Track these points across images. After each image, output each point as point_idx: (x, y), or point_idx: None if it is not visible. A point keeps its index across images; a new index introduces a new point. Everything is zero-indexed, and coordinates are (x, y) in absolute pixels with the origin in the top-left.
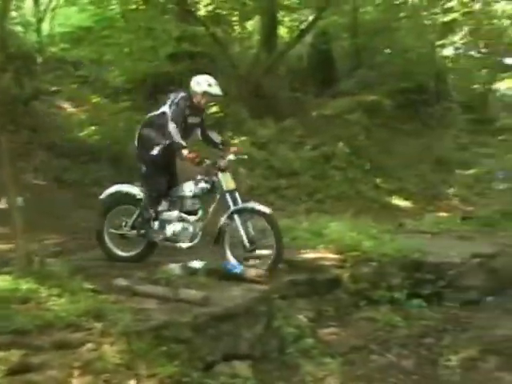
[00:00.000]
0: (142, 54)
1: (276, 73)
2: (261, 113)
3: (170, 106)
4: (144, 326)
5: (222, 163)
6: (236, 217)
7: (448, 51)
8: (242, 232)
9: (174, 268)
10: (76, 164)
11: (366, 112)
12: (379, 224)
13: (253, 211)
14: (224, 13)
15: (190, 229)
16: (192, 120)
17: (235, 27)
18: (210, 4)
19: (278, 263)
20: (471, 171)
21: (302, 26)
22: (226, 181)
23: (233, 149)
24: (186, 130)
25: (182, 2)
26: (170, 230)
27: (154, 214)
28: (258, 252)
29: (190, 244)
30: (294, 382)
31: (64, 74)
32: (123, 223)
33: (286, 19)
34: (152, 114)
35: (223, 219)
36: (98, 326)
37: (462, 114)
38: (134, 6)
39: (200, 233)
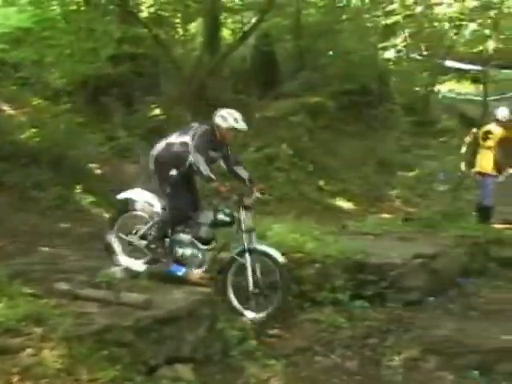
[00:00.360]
0: (82, 55)
1: (219, 75)
2: (204, 115)
3: (193, 137)
4: (85, 330)
5: (248, 201)
6: (247, 256)
7: (390, 54)
8: (250, 273)
9: (116, 271)
10: (16, 166)
11: (309, 114)
12: (322, 226)
13: (265, 255)
14: (167, 14)
15: (200, 256)
16: (213, 154)
17: (178, 29)
18: (152, 6)
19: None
20: (413, 173)
21: (245, 28)
22: (247, 220)
23: (259, 187)
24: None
25: (123, 4)
26: (179, 252)
27: (170, 232)
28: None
29: (195, 272)
30: None
31: (3, 75)
32: (134, 230)
33: (229, 21)
34: (170, 140)
35: (233, 253)
36: (38, 330)
37: (404, 116)
38: (74, 7)
39: (208, 262)
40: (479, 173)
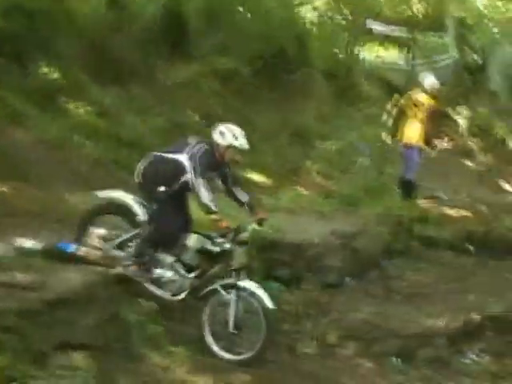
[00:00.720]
0: None
1: (125, 34)
2: (106, 78)
3: (192, 158)
4: None
5: (243, 237)
6: (232, 292)
7: (311, 15)
8: (232, 312)
9: (4, 249)
10: None
11: (220, 78)
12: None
13: (253, 296)
14: None
15: (178, 283)
16: (209, 175)
17: None
18: None
19: (262, 354)
20: (333, 144)
21: None
22: (239, 257)
23: (260, 214)
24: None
25: None
26: (156, 272)
27: (146, 253)
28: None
29: (171, 298)
30: (140, 372)
31: None
32: (110, 235)
33: None
34: (160, 154)
35: (218, 285)
36: None
37: (324, 83)
38: None
39: (186, 291)
40: (404, 145)
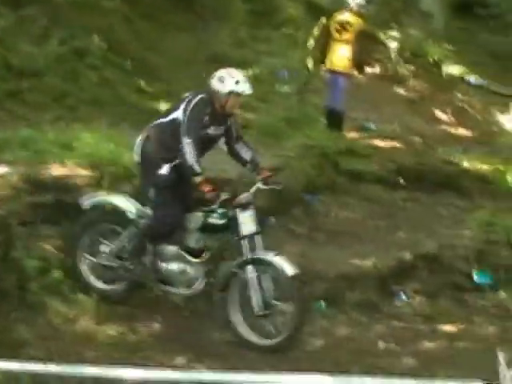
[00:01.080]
0: None
1: None
2: None
3: (185, 111)
4: None
5: (244, 198)
6: (249, 268)
7: None
8: (253, 291)
9: None
10: None
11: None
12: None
13: (272, 266)
14: None
15: (189, 272)
16: (213, 131)
17: None
18: None
19: (295, 336)
20: (251, 71)
21: None
22: (246, 222)
23: (264, 173)
24: (204, 144)
25: None
26: (163, 268)
27: (150, 248)
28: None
29: (186, 292)
30: (39, 324)
31: None
32: (103, 247)
33: None
34: (159, 120)
35: (232, 267)
36: None
37: (241, 4)
38: None
39: (202, 279)
40: (330, 71)
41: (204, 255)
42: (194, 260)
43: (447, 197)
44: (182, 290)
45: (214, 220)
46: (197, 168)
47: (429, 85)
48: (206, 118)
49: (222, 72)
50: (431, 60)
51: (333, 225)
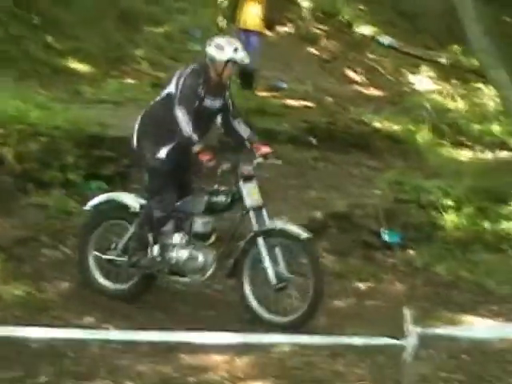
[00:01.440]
0: None
1: None
2: None
3: (177, 83)
4: None
5: (246, 170)
6: (260, 241)
7: None
8: (268, 263)
9: None
10: None
11: None
12: (50, 91)
13: (283, 234)
14: None
15: (200, 258)
16: (210, 103)
17: None
18: None
19: (315, 309)
20: (162, 29)
21: None
22: (251, 194)
23: (263, 149)
24: (202, 120)
25: None
26: (173, 258)
27: (152, 237)
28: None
29: (200, 278)
30: None
31: None
32: (113, 245)
33: None
34: (155, 99)
35: (242, 244)
36: None
37: None
38: None
39: (214, 263)
40: (242, 30)
41: (212, 238)
42: (203, 244)
43: (358, 156)
44: (195, 278)
45: (218, 199)
46: (194, 137)
47: (341, 45)
48: (200, 88)
49: (219, 40)
50: (343, 20)
51: None
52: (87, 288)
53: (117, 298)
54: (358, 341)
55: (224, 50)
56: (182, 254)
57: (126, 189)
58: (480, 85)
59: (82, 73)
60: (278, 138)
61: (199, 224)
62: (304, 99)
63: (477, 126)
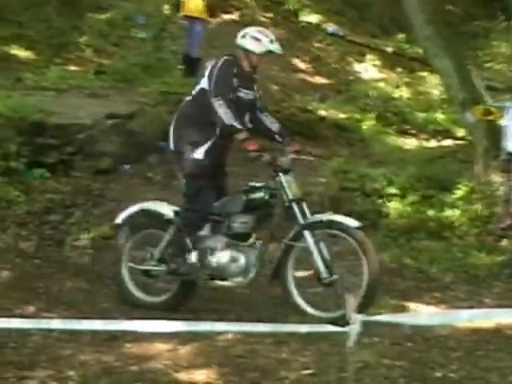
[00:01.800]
0: None
1: None
2: None
3: (210, 76)
4: None
5: (285, 162)
6: (307, 235)
7: None
8: (317, 257)
9: None
10: None
11: None
12: None
13: (331, 226)
14: None
15: (242, 259)
16: (244, 95)
17: None
18: None
19: (369, 305)
20: (106, 16)
21: None
22: (291, 187)
23: (294, 146)
24: (238, 111)
25: None
26: (213, 262)
27: (191, 243)
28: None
29: (243, 281)
30: None
31: None
32: (148, 255)
33: None
34: (186, 98)
35: (286, 240)
36: None
37: None
38: None
39: (256, 264)
40: (187, 17)
41: (253, 237)
42: (244, 244)
43: (304, 144)
44: (238, 281)
45: (256, 196)
46: (237, 125)
47: (287, 33)
48: (235, 79)
49: (253, 31)
50: (289, 8)
51: None
52: (124, 302)
53: (155, 309)
54: (302, 328)
55: (261, 41)
56: (223, 257)
57: (68, 176)
58: (424, 73)
59: (25, 60)
60: None
61: (238, 224)
62: None
63: (421, 115)
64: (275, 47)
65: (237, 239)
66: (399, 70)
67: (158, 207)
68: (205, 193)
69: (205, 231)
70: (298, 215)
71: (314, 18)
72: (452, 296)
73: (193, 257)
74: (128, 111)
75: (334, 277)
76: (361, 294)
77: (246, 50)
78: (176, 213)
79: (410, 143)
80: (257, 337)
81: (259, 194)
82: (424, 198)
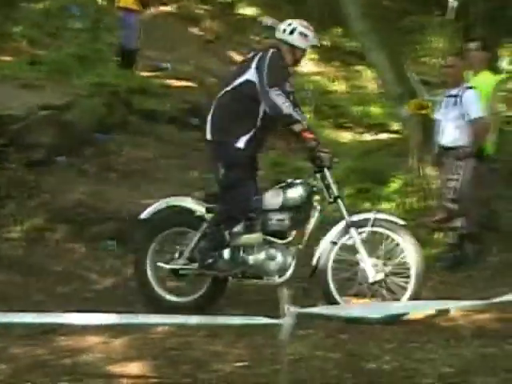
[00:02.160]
0: None
1: None
2: None
3: (260, 67)
4: None
5: (327, 157)
6: (353, 232)
7: None
8: (364, 255)
9: None
10: None
11: None
12: None
13: (377, 224)
14: None
15: (279, 257)
16: (289, 88)
17: None
18: None
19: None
20: (41, 6)
21: None
22: (334, 183)
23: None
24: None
25: None
26: (250, 260)
27: (227, 239)
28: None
29: (279, 280)
30: None
31: None
32: (176, 254)
33: None
34: (225, 89)
35: (330, 237)
36: None
37: None
38: None
39: (294, 263)
40: (122, 8)
41: (291, 235)
42: (281, 242)
43: None
44: (273, 279)
45: (296, 192)
46: (295, 115)
47: (224, 26)
48: (285, 71)
49: (300, 27)
50: (226, 1)
51: (125, 164)
52: (148, 304)
53: (184, 310)
54: (235, 320)
55: (308, 37)
56: (260, 254)
57: (1, 168)
58: (360, 67)
59: None
60: (160, 118)
61: (275, 221)
62: (186, 79)
63: (357, 108)
64: (317, 41)
65: (274, 237)
66: (336, 63)
67: (187, 203)
68: (245, 184)
69: (241, 227)
70: (344, 211)
71: (250, 11)
72: (385, 288)
73: (228, 254)
74: (63, 102)
75: (379, 276)
76: (408, 293)
77: (291, 45)
78: (208, 209)
79: (346, 137)
80: (191, 329)
81: (299, 191)
82: (359, 191)
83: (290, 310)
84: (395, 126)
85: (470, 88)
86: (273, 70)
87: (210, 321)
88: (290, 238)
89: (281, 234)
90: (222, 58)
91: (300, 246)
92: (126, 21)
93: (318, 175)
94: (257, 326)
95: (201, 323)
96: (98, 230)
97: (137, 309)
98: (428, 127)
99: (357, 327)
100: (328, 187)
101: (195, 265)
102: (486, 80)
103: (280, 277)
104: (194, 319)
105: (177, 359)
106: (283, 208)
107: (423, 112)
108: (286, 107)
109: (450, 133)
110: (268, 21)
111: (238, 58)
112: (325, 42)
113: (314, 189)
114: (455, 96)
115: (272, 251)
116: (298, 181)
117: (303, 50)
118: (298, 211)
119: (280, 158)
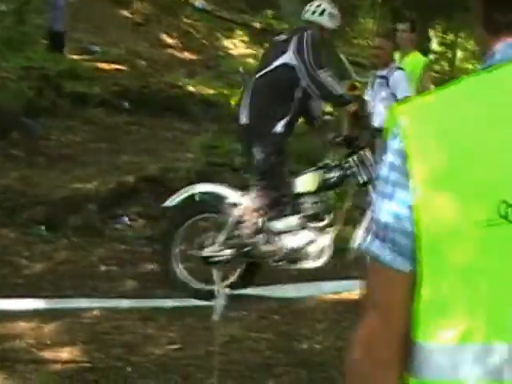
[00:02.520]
0: None
1: None
2: None
3: (299, 50)
4: None
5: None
6: None
7: None
8: None
9: None
10: None
11: None
12: None
13: None
14: None
15: (317, 242)
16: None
17: None
18: None
19: None
20: None
21: None
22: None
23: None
24: None
25: None
26: (286, 245)
27: (262, 224)
28: None
29: (316, 264)
30: None
31: None
32: (207, 241)
33: None
34: (261, 72)
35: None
36: None
37: None
38: None
39: (331, 246)
40: None
41: (327, 218)
42: (318, 226)
43: (172, 120)
44: (309, 264)
45: (332, 174)
46: (347, 96)
47: (154, 8)
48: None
49: (328, 8)
50: None
51: (54, 148)
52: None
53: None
54: (167, 303)
55: (336, 17)
56: (296, 239)
57: None
58: None
59: None
60: (90, 101)
61: (311, 204)
62: (116, 63)
63: None
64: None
65: (311, 220)
66: (267, 45)
67: (218, 189)
68: (282, 169)
69: (278, 211)
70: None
71: None
72: (319, 269)
73: (264, 239)
74: None
75: None
76: None
77: (322, 27)
78: (242, 195)
79: None
80: (123, 313)
81: (336, 173)
82: (293, 173)
83: (222, 292)
84: (327, 108)
85: (399, 69)
86: (315, 53)
87: (141, 304)
88: (326, 222)
89: (318, 217)
90: (153, 40)
91: (336, 229)
92: (54, 3)
93: (355, 157)
94: (190, 308)
95: (133, 306)
96: (27, 215)
97: (68, 294)
98: (360, 108)
99: (290, 308)
100: (366, 169)
101: (229, 251)
102: (414, 61)
103: (316, 261)
104: (125, 303)
105: (109, 343)
106: (319, 191)
107: (355, 93)
108: (338, 87)
109: (380, 114)
110: (199, 3)
111: (170, 40)
112: (256, 24)
113: (348, 172)
114: (384, 77)
115: (309, 235)
116: (334, 163)
117: (332, 31)
118: (334, 194)
119: (212, 141)
